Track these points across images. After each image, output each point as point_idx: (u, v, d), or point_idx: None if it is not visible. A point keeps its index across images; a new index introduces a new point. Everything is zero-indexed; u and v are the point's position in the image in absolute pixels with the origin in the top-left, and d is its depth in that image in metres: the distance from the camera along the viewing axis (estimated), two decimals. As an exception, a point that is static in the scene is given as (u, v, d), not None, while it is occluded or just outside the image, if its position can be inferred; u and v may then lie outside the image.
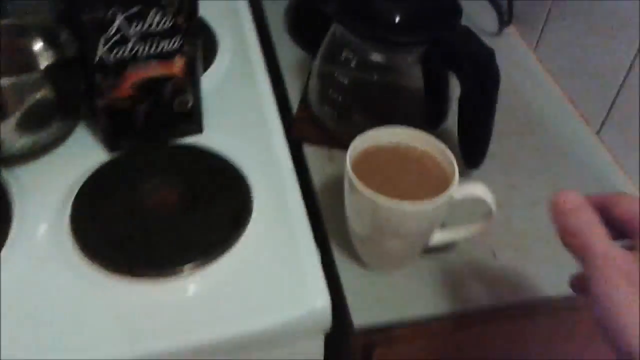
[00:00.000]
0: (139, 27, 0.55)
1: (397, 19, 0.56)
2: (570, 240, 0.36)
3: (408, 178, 0.51)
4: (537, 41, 0.78)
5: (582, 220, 0.36)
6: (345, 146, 0.51)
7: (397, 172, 0.52)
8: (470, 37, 0.55)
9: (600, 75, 0.67)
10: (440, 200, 0.48)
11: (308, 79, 0.70)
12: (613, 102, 0.66)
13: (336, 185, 0.58)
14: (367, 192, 0.48)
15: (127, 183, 0.58)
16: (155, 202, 0.57)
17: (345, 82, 0.60)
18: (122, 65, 0.57)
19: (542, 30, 0.76)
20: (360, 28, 0.57)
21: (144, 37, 0.56)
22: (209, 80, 0.68)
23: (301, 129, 0.66)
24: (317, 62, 0.64)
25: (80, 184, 0.57)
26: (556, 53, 0.75)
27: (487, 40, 0.55)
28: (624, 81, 0.64)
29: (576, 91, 0.72)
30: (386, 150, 0.53)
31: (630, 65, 0.62)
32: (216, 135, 0.63)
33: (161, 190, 0.58)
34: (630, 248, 0.35)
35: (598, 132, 0.69)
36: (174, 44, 0.58)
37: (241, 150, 0.61)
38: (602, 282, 0.33)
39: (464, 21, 0.79)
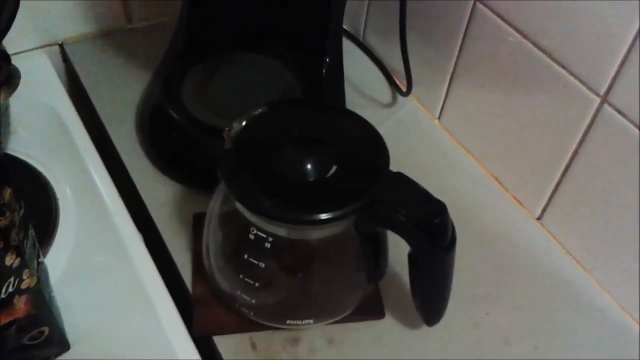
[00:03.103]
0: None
1: (311, 195, 0.42)
2: None
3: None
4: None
5: None
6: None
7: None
8: (408, 189, 0.43)
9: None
10: None
11: (194, 234, 0.54)
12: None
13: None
14: None
15: None
16: None
17: (262, 265, 0.45)
18: None
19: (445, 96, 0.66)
20: (267, 211, 0.42)
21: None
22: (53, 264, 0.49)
23: (205, 322, 0.50)
24: (210, 235, 0.49)
25: None
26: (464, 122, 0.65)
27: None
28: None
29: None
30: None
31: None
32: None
33: None
34: None
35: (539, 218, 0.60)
36: (7, 289, 0.40)
37: None
38: None
39: (353, 93, 0.67)
